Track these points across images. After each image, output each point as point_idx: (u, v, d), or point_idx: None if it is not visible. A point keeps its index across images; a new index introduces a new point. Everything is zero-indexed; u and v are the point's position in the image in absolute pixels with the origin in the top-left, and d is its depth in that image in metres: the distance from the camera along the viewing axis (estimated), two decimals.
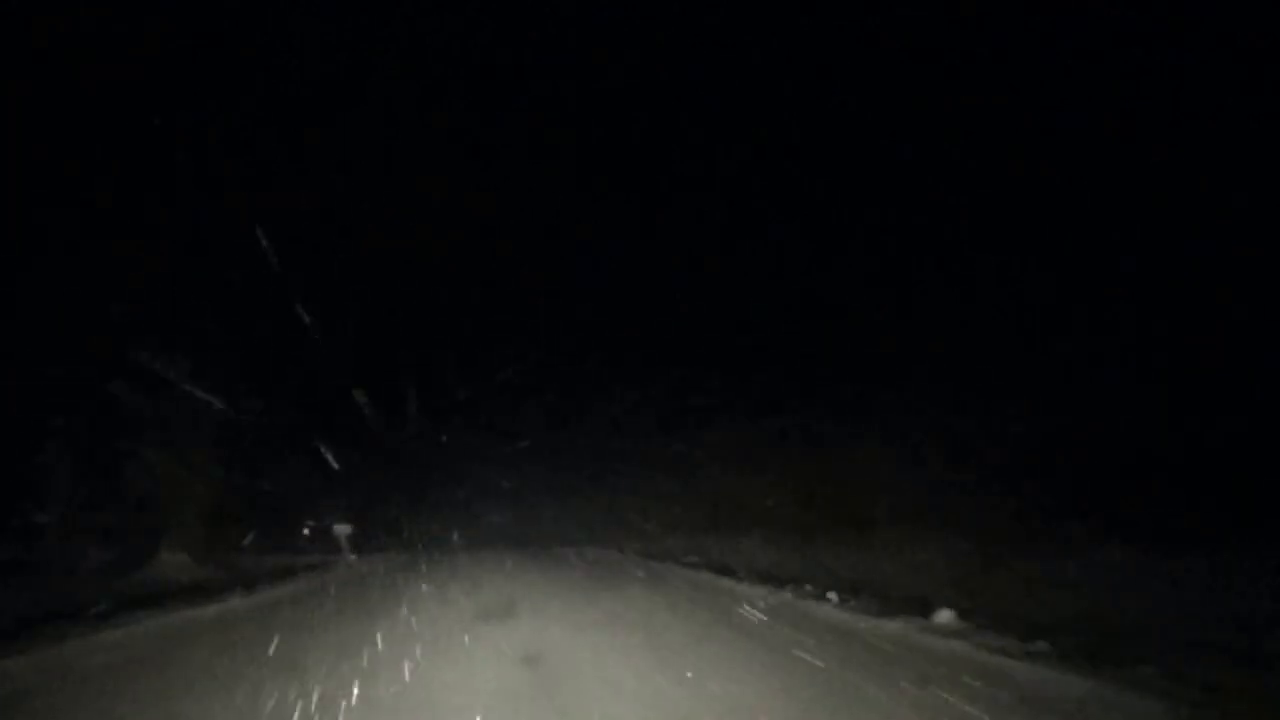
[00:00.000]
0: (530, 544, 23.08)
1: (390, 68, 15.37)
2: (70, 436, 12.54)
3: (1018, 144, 10.38)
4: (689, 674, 5.06)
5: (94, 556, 12.14)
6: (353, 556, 18.18)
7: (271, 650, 5.89)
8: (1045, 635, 5.75)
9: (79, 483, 12.66)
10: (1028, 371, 10.81)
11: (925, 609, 7.57)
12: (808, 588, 10.12)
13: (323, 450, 20.15)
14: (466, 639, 7.06)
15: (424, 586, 12.46)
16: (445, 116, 16.54)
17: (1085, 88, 9.73)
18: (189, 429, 14.24)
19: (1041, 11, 9.87)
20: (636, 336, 19.96)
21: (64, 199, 11.34)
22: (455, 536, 24.38)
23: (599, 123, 16.61)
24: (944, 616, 7.09)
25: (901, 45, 11.58)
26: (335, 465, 20.89)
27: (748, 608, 8.65)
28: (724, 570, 13.37)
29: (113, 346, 12.57)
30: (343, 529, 18.82)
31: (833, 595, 9.02)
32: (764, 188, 15.25)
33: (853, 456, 13.49)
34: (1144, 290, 9.49)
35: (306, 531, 19.16)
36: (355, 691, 4.75)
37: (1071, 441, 9.92)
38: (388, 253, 18.82)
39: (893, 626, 7.14)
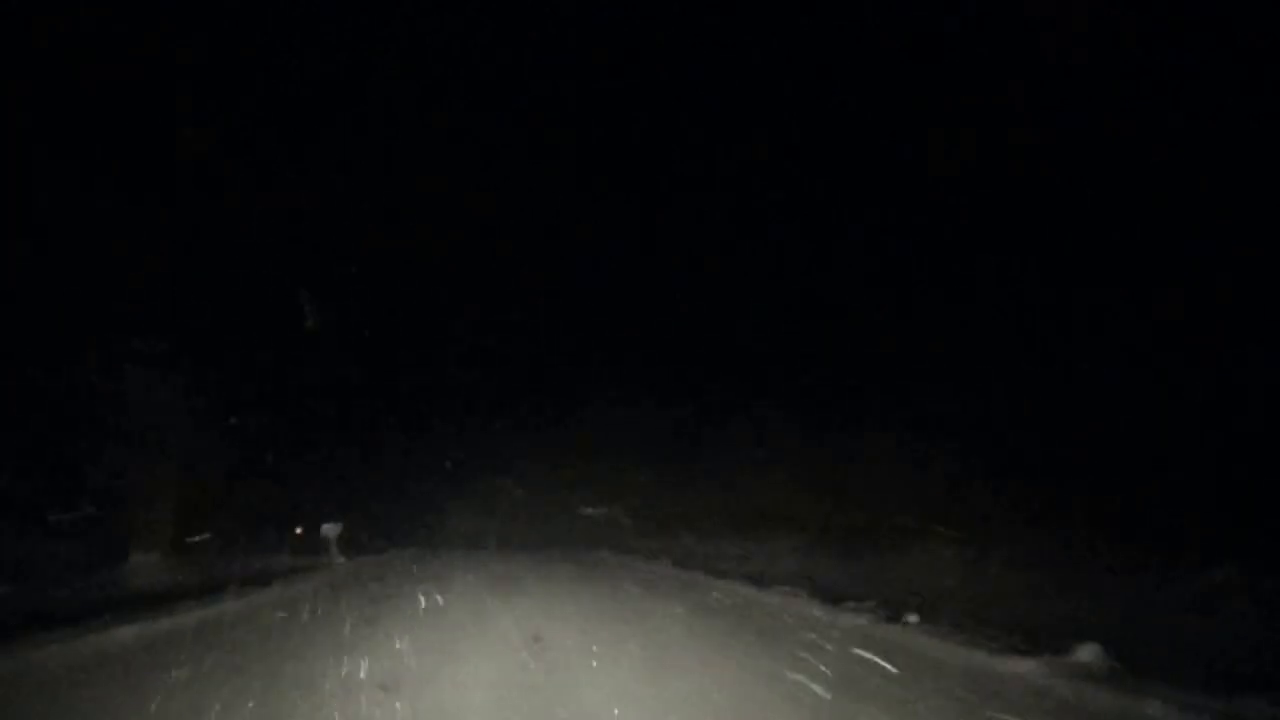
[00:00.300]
0: (533, 548, 22.59)
1: (390, 68, 15.41)
2: (30, 425, 11.65)
3: (1018, 144, 10.38)
4: None
5: (54, 556, 11.14)
6: (341, 559, 17.01)
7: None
8: (1247, 689, 4.44)
9: (39, 476, 11.76)
10: (1036, 372, 10.69)
11: (1029, 638, 6.24)
12: (868, 605, 8.58)
13: (313, 448, 19.83)
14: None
15: (416, 594, 11.93)
16: (445, 116, 16.57)
17: (1085, 88, 9.73)
18: (165, 421, 13.35)
19: (1041, 11, 9.87)
20: (636, 336, 19.98)
21: (59, 189, 11.33)
22: (452, 539, 23.86)
23: (599, 123, 16.65)
24: (1088, 654, 5.61)
25: (901, 45, 11.59)
26: (326, 464, 20.57)
27: (818, 646, 6.87)
28: (752, 580, 11.84)
29: (81, 332, 11.90)
30: (331, 528, 17.51)
31: (913, 617, 7.61)
32: (764, 188, 15.26)
33: (873, 456, 13.10)
34: (1144, 290, 9.48)
35: (299, 531, 18.32)
36: None
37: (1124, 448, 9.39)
38: (388, 253, 18.87)
39: (1027, 668, 5.64)
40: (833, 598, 9.39)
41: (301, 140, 15.23)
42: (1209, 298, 8.80)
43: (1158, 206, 9.11)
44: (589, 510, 24.31)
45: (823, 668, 5.80)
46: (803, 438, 15.14)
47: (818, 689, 5.15)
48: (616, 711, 4.84)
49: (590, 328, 21.31)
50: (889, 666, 5.93)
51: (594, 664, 6.36)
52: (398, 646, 7.06)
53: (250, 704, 4.87)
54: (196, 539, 13.79)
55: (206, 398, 14.50)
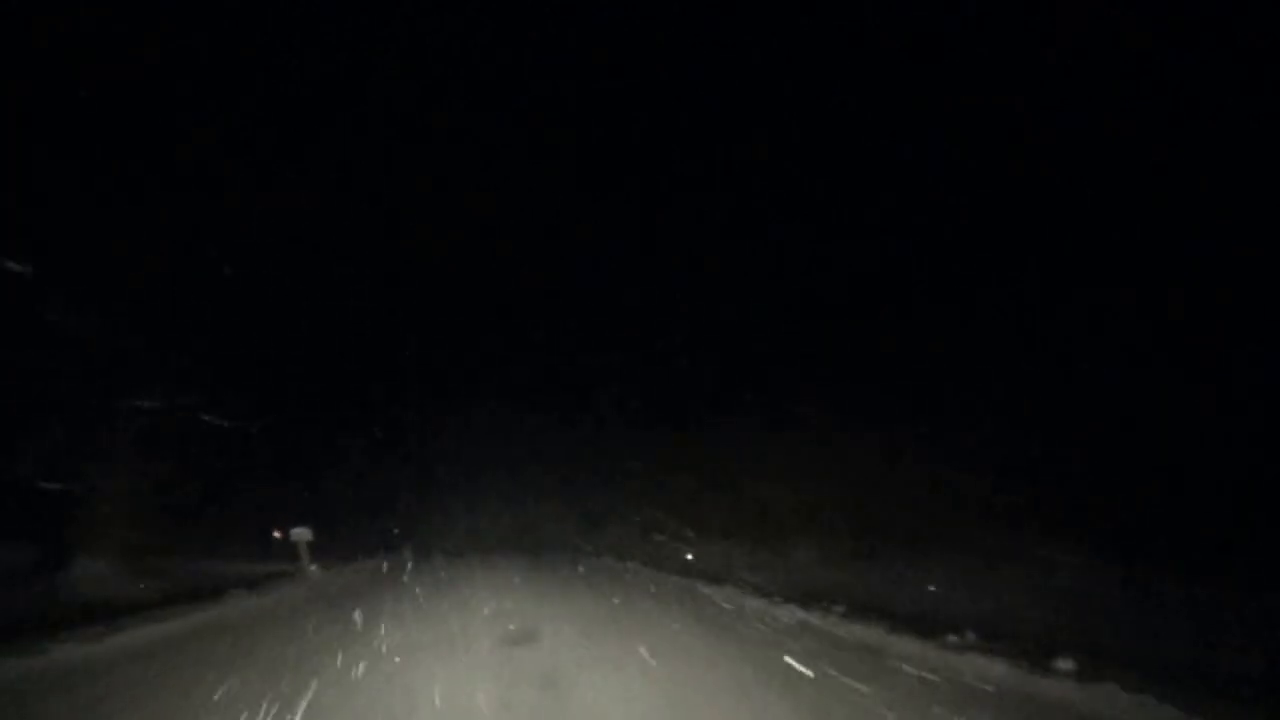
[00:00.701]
0: (534, 553, 21.72)
1: (390, 68, 15.41)
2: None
3: (1018, 144, 10.37)
4: None
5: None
6: (314, 568, 15.58)
7: None
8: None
9: None
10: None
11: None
12: (950, 637, 6.92)
13: (296, 448, 19.23)
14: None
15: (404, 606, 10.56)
16: (445, 116, 16.58)
17: (1085, 88, 9.72)
18: (117, 414, 12.39)
19: (1042, 11, 9.86)
20: (636, 336, 19.97)
21: (59, 189, 11.30)
22: (446, 545, 22.83)
23: (599, 123, 16.65)
24: None
25: (901, 45, 11.58)
26: (309, 464, 19.98)
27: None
28: (779, 594, 10.37)
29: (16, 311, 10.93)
30: (303, 534, 15.83)
31: (1066, 664, 5.76)
32: (764, 187, 15.25)
33: (881, 461, 12.68)
34: (1144, 290, 9.48)
35: (278, 535, 16.79)
36: None
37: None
38: (388, 253, 18.89)
39: None
40: (866, 612, 8.07)
41: (301, 140, 15.24)
42: (1209, 298, 8.80)
43: (1158, 206, 9.11)
44: (592, 514, 24.19)
45: None
46: (803, 440, 15.07)
47: None
48: None
49: (590, 328, 21.30)
50: None
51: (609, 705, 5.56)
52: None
53: None
54: (152, 544, 12.73)
55: (187, 398, 14.07)
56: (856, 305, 14.03)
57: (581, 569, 16.95)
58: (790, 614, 9.50)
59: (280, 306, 16.63)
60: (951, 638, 6.98)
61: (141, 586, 10.95)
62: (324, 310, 18.32)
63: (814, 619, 9.00)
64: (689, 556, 16.64)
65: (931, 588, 9.48)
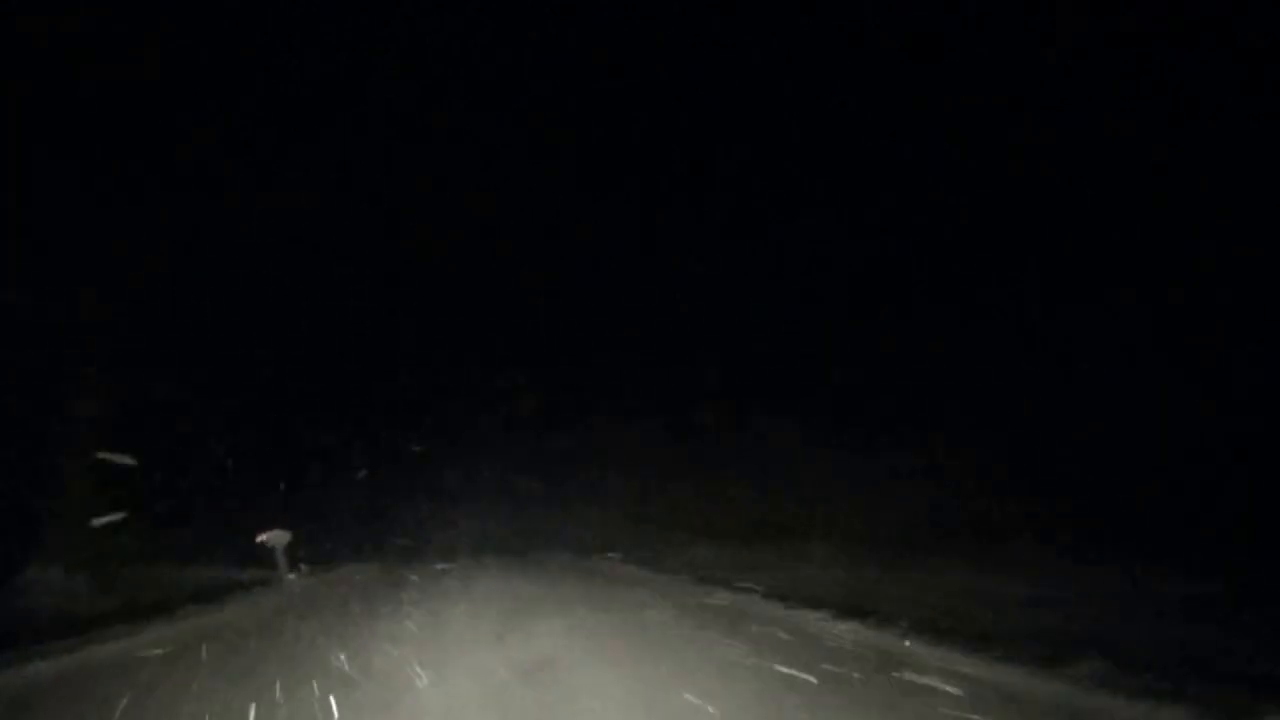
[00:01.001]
0: (534, 557, 21.19)
1: (390, 68, 15.42)
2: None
3: (1018, 144, 10.39)
4: None
5: None
6: (293, 575, 14.54)
7: None
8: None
9: None
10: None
11: None
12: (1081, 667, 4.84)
13: (294, 450, 18.99)
14: None
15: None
16: (445, 116, 16.58)
17: (1085, 88, 9.73)
18: (78, 406, 11.74)
19: (1042, 11, 9.88)
20: (637, 337, 19.97)
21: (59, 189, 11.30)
22: (441, 548, 22.34)
23: (599, 123, 16.66)
24: None
25: (901, 45, 11.59)
26: (306, 466, 19.65)
27: None
28: (802, 601, 8.56)
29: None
30: (280, 537, 14.84)
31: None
32: (764, 188, 15.27)
33: (882, 461, 12.67)
34: (1144, 290, 9.48)
35: (260, 540, 15.44)
36: None
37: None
38: (388, 253, 18.90)
39: None
40: (916, 628, 6.26)
41: (301, 140, 15.25)
42: (1209, 298, 8.81)
43: (1157, 206, 9.12)
44: (595, 516, 24.09)
45: None
46: (805, 441, 15.06)
47: None
48: None
49: (590, 328, 21.30)
50: None
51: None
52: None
53: None
54: (115, 550, 11.60)
55: (183, 398, 13.98)
56: (856, 305, 14.04)
57: (586, 577, 16.50)
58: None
59: (280, 306, 16.62)
60: (1083, 668, 4.82)
61: (102, 599, 9.75)
62: (324, 310, 18.31)
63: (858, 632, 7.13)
64: (691, 558, 16.59)
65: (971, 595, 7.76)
